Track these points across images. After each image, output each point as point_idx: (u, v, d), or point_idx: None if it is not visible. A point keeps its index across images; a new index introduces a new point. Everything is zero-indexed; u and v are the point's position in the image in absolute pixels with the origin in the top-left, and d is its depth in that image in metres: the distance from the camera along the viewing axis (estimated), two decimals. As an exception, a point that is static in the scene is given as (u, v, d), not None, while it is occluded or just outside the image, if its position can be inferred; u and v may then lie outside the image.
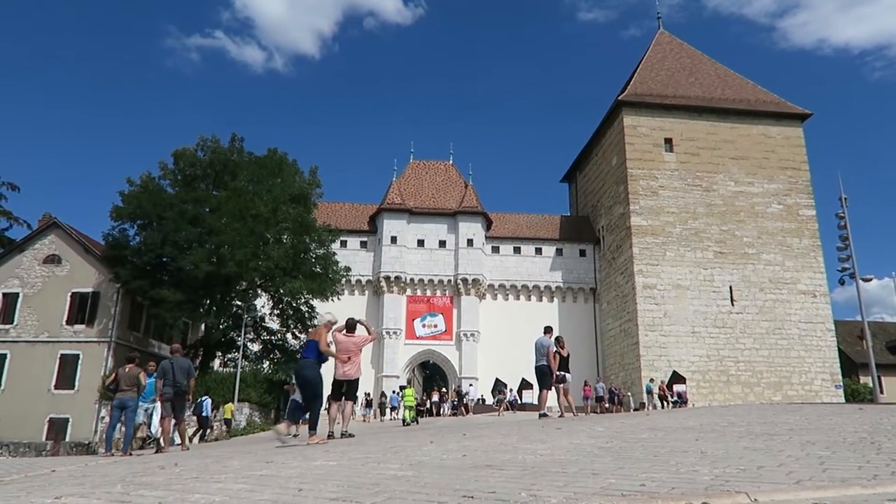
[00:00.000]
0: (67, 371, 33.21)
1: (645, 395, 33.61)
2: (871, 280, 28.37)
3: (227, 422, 26.89)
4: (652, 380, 34.93)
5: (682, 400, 32.04)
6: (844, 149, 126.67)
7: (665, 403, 31.47)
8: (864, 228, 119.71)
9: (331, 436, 9.58)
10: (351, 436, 9.59)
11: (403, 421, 22.58)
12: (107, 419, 24.78)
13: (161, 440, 12.67)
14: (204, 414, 23.00)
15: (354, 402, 10.08)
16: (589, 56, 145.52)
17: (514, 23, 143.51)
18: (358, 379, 9.86)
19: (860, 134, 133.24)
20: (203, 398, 23.41)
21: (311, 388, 9.16)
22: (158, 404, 12.39)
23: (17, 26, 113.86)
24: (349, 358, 9.59)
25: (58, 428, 31.72)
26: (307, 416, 9.34)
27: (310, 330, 9.70)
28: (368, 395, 36.77)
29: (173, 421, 12.10)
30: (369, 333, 10.17)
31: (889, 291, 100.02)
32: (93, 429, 31.58)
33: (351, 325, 10.10)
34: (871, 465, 2.83)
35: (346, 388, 9.72)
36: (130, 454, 11.37)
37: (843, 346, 47.21)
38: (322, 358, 9.24)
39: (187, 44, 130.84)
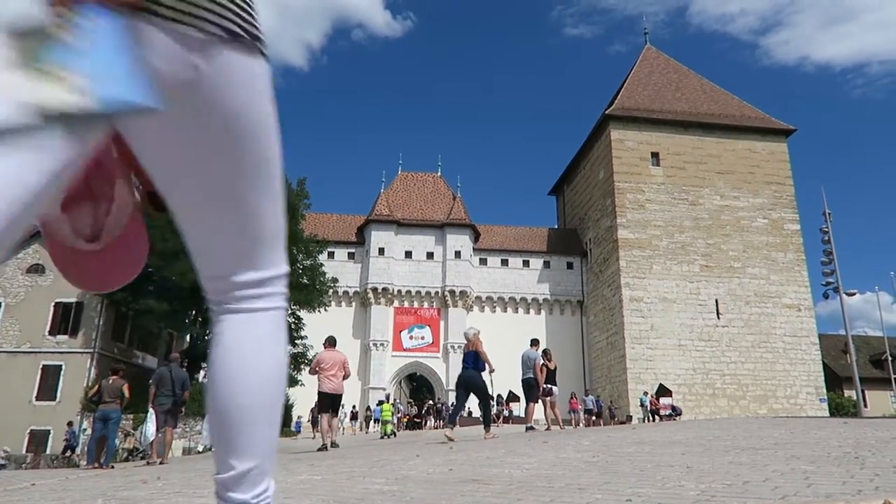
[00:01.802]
0: (49, 382, 32.81)
1: (640, 408, 33.54)
2: (854, 294, 28.70)
3: None
4: (646, 393, 34.88)
5: (676, 413, 31.97)
6: (828, 164, 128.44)
7: (657, 417, 31.41)
8: (848, 242, 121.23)
9: (324, 448, 9.88)
10: (336, 446, 10.21)
11: (383, 434, 24.09)
12: (89, 431, 24.46)
13: (150, 450, 12.34)
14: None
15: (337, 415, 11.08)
16: (576, 71, 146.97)
17: (502, 37, 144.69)
18: (342, 394, 10.69)
19: (843, 149, 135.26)
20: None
21: (482, 393, 10.22)
22: (151, 413, 11.68)
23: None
24: (334, 374, 10.37)
25: (38, 440, 31.28)
26: (456, 417, 10.53)
27: (465, 342, 10.64)
28: (355, 407, 36.65)
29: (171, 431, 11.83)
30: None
31: (872, 305, 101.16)
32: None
33: (332, 342, 11.09)
34: (854, 480, 2.84)
35: (334, 402, 10.50)
36: (112, 467, 11.19)
37: (828, 360, 47.61)
38: (480, 365, 10.20)
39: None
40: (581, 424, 24.71)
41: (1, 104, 0.67)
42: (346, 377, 10.86)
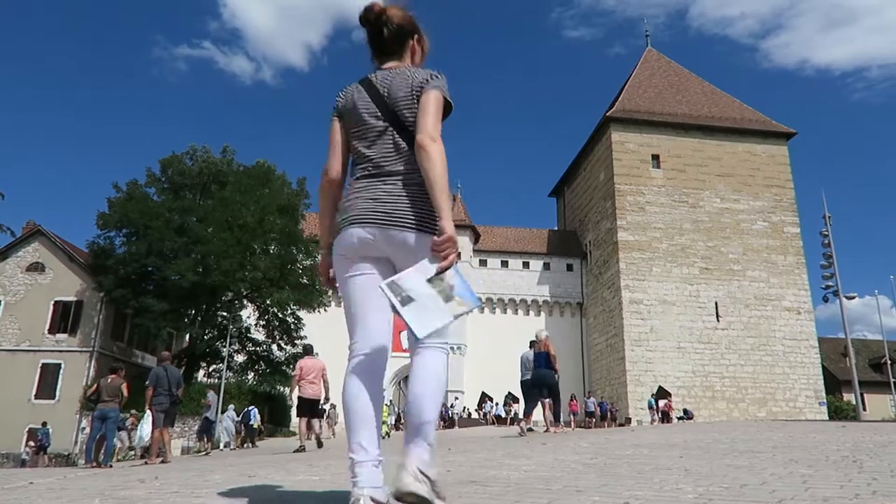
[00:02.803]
0: (48, 380, 32.80)
1: (648, 411, 33.41)
2: (854, 298, 28.68)
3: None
4: (653, 394, 34.66)
5: (688, 416, 31.78)
6: (828, 167, 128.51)
7: (663, 419, 31.18)
8: (847, 246, 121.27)
9: (302, 449, 10.44)
10: (321, 445, 11.17)
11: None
12: (87, 430, 24.44)
13: (150, 449, 12.31)
14: (251, 423, 23.93)
15: (320, 418, 12.15)
16: (576, 72, 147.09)
17: (502, 38, 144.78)
18: (321, 399, 11.67)
19: (843, 153, 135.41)
20: (250, 408, 24.70)
21: (554, 389, 11.59)
22: (148, 413, 11.59)
23: (3, 34, 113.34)
24: (314, 380, 11.38)
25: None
26: (532, 411, 11.83)
27: (534, 342, 11.71)
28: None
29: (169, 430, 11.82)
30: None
31: (871, 309, 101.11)
32: (73, 440, 31.14)
33: (310, 350, 12.49)
34: (852, 484, 2.84)
35: (313, 407, 11.50)
36: (111, 466, 11.18)
37: (827, 364, 47.60)
38: (551, 364, 11.39)
39: (175, 53, 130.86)
40: (573, 427, 24.43)
41: (445, 314, 2.05)
42: (326, 387, 11.68)
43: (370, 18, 2.45)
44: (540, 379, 11.32)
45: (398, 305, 2.05)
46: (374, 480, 2.14)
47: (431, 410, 2.18)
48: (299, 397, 11.55)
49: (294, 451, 10.14)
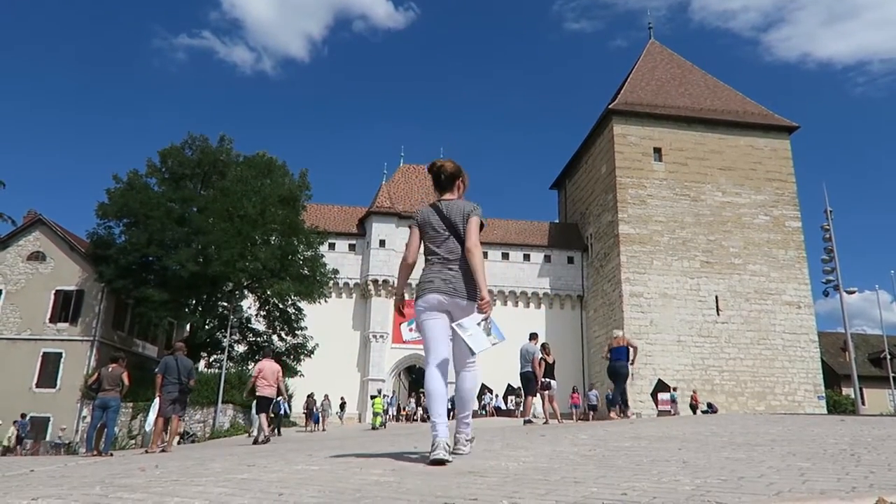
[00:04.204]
0: (49, 369, 32.87)
1: (672, 404, 33.00)
2: (854, 292, 28.67)
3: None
4: (675, 388, 33.98)
5: (712, 410, 31.59)
6: (830, 161, 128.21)
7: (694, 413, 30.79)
8: (848, 240, 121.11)
9: (265, 441, 12.60)
10: (267, 440, 12.84)
11: (373, 426, 26.95)
12: (88, 419, 24.54)
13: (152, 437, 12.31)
14: (281, 412, 25.61)
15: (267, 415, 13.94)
16: (577, 65, 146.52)
17: (504, 30, 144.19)
18: (274, 398, 13.79)
19: (844, 147, 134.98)
20: (279, 398, 24.83)
21: (624, 380, 13.60)
22: (156, 401, 11.55)
23: (2, 23, 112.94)
24: (270, 381, 13.11)
25: (38, 427, 31.35)
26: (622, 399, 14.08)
27: (615, 339, 13.84)
28: (343, 398, 37.02)
29: (178, 419, 11.82)
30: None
31: (871, 304, 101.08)
32: (74, 428, 31.24)
33: (268, 353, 14.66)
34: (850, 478, 2.85)
35: (269, 404, 13.52)
36: (111, 455, 11.22)
37: (826, 358, 47.63)
38: (629, 358, 13.33)
39: (174, 43, 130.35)
40: (575, 419, 24.47)
41: (487, 342, 3.71)
42: (278, 388, 13.48)
43: (433, 169, 4.13)
44: (615, 370, 13.28)
45: (463, 335, 3.72)
46: (445, 433, 3.62)
47: (469, 408, 4.09)
48: (258, 396, 13.21)
49: (253, 444, 11.79)
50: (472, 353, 3.79)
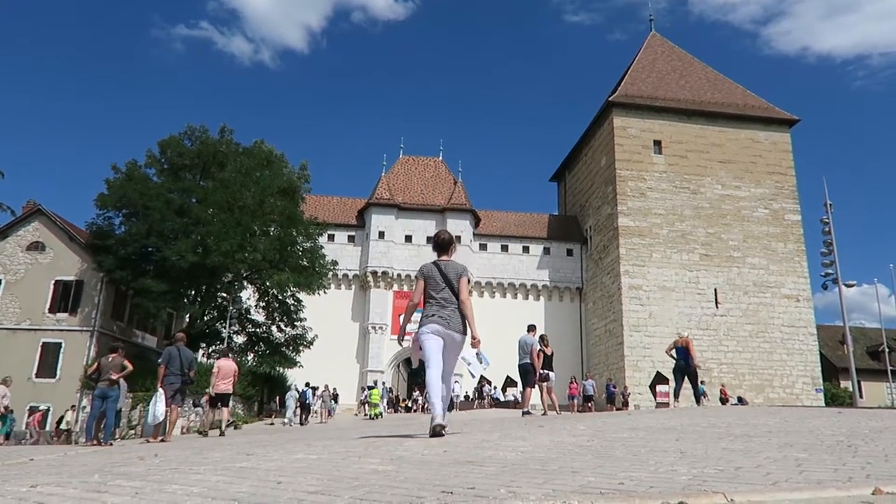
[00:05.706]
0: (49, 359, 32.88)
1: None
2: (853, 286, 28.69)
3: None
4: (703, 381, 33.86)
5: (742, 402, 31.50)
6: (829, 155, 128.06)
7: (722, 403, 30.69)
8: (847, 234, 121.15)
9: (205, 433, 13.64)
10: (223, 434, 13.09)
11: (371, 416, 27.91)
12: (88, 409, 24.56)
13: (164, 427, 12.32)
14: (308, 402, 27.94)
15: (226, 407, 14.49)
16: (577, 57, 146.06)
17: (503, 22, 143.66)
18: (230, 394, 14.40)
19: (844, 141, 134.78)
20: (306, 388, 28.76)
21: (693, 375, 14.73)
22: (160, 392, 11.64)
23: (1, 14, 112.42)
24: (226, 379, 13.80)
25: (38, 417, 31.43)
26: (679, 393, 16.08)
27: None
28: (335, 389, 36.74)
29: (178, 409, 11.87)
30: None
31: (869, 297, 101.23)
32: (74, 418, 31.29)
33: (226, 352, 15.66)
34: (846, 468, 2.86)
35: (222, 400, 14.04)
36: (111, 444, 11.25)
37: (825, 351, 47.74)
38: (690, 357, 14.49)
39: (172, 34, 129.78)
40: (574, 410, 24.54)
41: (480, 368, 5.96)
42: (234, 383, 14.33)
43: (436, 239, 5.79)
44: (680, 369, 14.51)
45: (467, 366, 5.93)
46: (440, 411, 5.16)
47: (446, 399, 5.44)
48: (216, 393, 13.97)
49: (201, 434, 12.87)
50: (473, 376, 6.14)
